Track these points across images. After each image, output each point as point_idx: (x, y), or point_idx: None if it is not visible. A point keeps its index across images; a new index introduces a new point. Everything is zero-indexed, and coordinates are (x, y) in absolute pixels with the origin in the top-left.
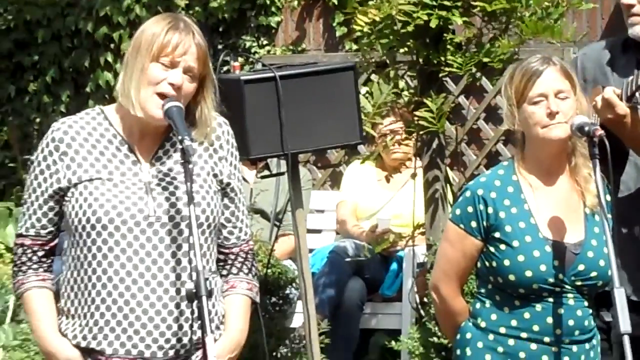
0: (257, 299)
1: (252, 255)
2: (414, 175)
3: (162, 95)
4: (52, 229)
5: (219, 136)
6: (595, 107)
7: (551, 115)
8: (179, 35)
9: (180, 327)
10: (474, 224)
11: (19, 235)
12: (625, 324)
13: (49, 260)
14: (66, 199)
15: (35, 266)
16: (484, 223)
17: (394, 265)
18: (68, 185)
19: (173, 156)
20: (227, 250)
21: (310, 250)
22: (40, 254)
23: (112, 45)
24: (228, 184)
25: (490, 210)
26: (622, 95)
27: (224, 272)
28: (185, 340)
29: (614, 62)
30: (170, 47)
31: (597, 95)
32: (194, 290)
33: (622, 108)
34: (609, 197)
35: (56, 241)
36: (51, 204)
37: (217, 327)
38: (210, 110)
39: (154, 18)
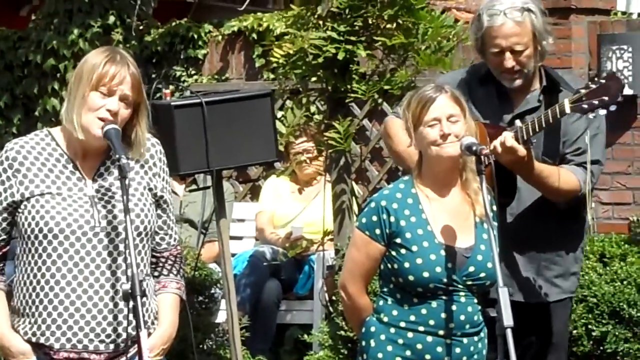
0: (184, 297)
1: (181, 258)
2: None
3: (102, 120)
4: (5, 237)
5: (152, 155)
6: (494, 151)
7: (444, 136)
8: (116, 67)
9: (119, 323)
10: (377, 231)
11: None
12: (508, 319)
13: (1, 265)
14: (19, 210)
15: None
16: (387, 230)
17: (306, 268)
18: (21, 199)
19: (113, 172)
20: (158, 254)
21: (233, 255)
22: None
23: (58, 75)
24: (161, 197)
25: (392, 219)
26: (518, 137)
27: (156, 274)
28: (124, 335)
29: (473, 93)
30: (108, 77)
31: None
32: (130, 291)
33: (522, 151)
34: (495, 207)
35: (8, 248)
36: (5, 215)
37: (153, 323)
38: (144, 132)
39: (94, 51)
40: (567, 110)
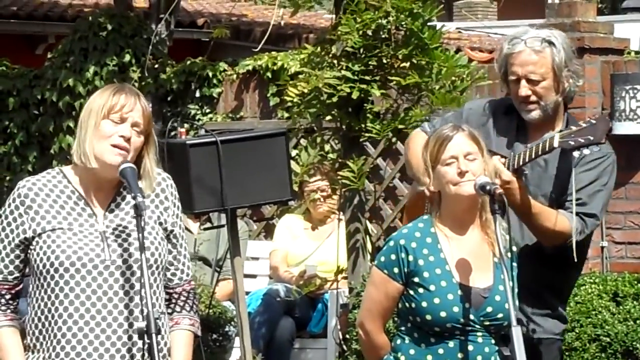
0: (199, 332)
1: (194, 293)
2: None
3: (115, 146)
4: (18, 274)
5: (163, 189)
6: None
7: (461, 174)
8: (125, 97)
9: (132, 356)
10: (396, 270)
11: None
12: (521, 358)
13: (15, 302)
14: (31, 247)
15: (3, 308)
16: (405, 269)
17: (320, 306)
18: (33, 235)
19: (124, 208)
20: (171, 290)
21: (247, 293)
22: (7, 297)
23: (73, 113)
24: (172, 231)
25: (410, 258)
26: (509, 165)
27: (169, 310)
28: None
29: (495, 122)
30: (119, 105)
31: None
32: (145, 329)
33: (507, 174)
34: (514, 248)
35: (22, 285)
36: (17, 252)
37: (164, 358)
38: (153, 165)
39: (102, 88)
40: (556, 144)
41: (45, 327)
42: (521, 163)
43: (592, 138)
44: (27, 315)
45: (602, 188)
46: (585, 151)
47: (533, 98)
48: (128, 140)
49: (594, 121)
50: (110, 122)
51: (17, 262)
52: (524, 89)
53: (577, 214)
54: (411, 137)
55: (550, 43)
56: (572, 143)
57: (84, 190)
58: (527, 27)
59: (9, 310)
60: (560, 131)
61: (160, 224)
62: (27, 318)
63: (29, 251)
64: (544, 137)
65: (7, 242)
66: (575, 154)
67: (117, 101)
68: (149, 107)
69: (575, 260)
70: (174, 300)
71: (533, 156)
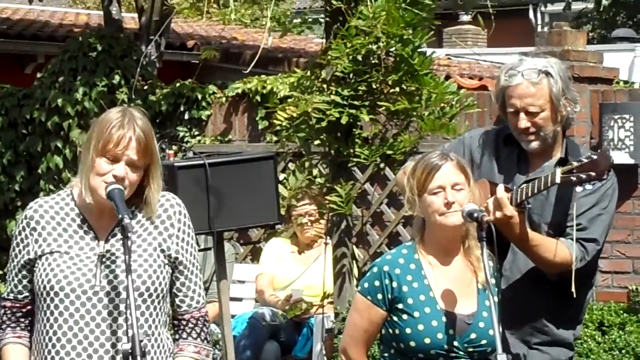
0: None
1: (203, 321)
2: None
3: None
4: (27, 294)
5: (170, 215)
6: (487, 207)
7: (448, 205)
8: (121, 131)
9: None
10: (379, 296)
11: (2, 298)
12: None
13: (27, 320)
14: (35, 268)
15: (13, 325)
16: (389, 296)
17: (306, 330)
18: (35, 257)
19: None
20: (179, 317)
21: (232, 316)
22: (18, 314)
23: (62, 133)
24: (177, 259)
25: (394, 284)
26: (512, 200)
27: (177, 336)
28: None
29: (497, 152)
30: (113, 143)
31: (482, 187)
32: (130, 351)
33: (510, 210)
34: (497, 274)
35: (33, 305)
36: (24, 272)
37: None
38: (156, 193)
39: (108, 112)
40: (557, 180)
41: (41, 347)
42: (524, 198)
43: (593, 174)
44: (34, 334)
45: (602, 212)
46: (588, 187)
47: (532, 129)
48: (122, 179)
49: (594, 156)
50: (104, 160)
51: (24, 282)
52: (523, 122)
53: (577, 240)
54: (406, 167)
55: (547, 74)
56: (574, 179)
57: (88, 214)
58: (522, 57)
59: (18, 328)
60: (561, 158)
61: (162, 250)
62: (33, 337)
63: (34, 272)
64: (546, 165)
65: (16, 262)
66: (578, 189)
67: (112, 138)
68: (150, 135)
69: (573, 290)
70: (182, 327)
71: (536, 191)
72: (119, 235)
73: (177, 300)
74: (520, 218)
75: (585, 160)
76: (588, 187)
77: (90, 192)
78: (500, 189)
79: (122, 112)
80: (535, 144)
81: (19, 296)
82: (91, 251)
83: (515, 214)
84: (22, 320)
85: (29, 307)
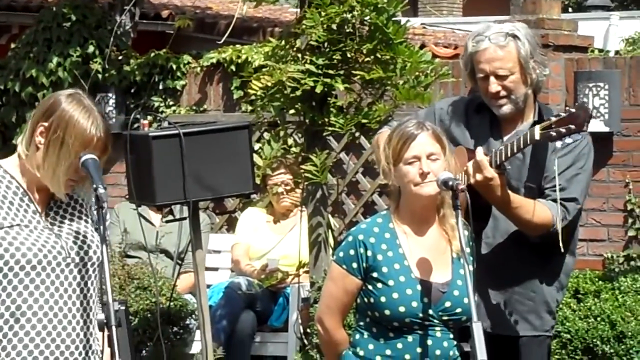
0: None
1: None
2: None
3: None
4: None
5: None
6: (466, 171)
7: (423, 175)
8: (97, 134)
9: (92, 352)
10: (354, 265)
11: None
12: (481, 354)
13: None
14: None
15: None
16: (364, 264)
17: (282, 300)
18: None
19: (62, 205)
20: None
21: (208, 286)
22: None
23: (36, 103)
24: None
25: (369, 253)
26: (492, 162)
27: None
28: None
29: (469, 120)
30: (86, 147)
31: (459, 154)
32: (105, 320)
33: (490, 172)
34: (472, 243)
35: None
36: None
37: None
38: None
39: (70, 109)
40: (537, 136)
41: (7, 323)
42: (503, 159)
43: (573, 127)
44: None
45: (579, 171)
46: (568, 140)
47: (503, 93)
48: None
49: (573, 110)
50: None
51: None
52: (494, 85)
53: (557, 200)
54: (380, 137)
55: (514, 37)
56: (554, 134)
57: (28, 187)
58: (489, 23)
59: None
60: (535, 122)
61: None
62: None
63: None
64: (519, 129)
65: None
66: (558, 144)
67: (90, 140)
68: (106, 132)
69: (561, 246)
70: None
71: (515, 150)
72: (56, 208)
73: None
74: (501, 180)
75: (564, 114)
76: (568, 140)
77: (49, 180)
78: (480, 151)
79: (87, 109)
80: (506, 108)
81: None
82: (38, 224)
83: (496, 176)
84: None
85: None
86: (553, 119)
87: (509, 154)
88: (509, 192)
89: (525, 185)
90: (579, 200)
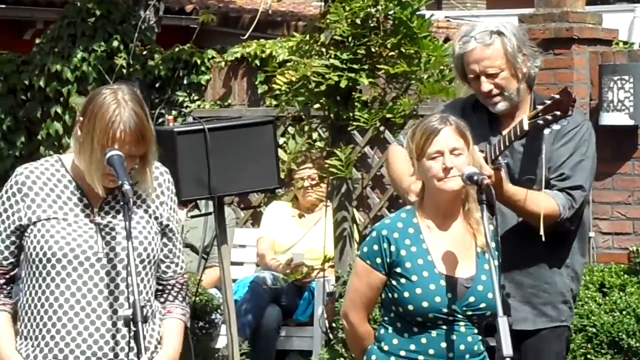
0: (188, 324)
1: (187, 286)
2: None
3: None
4: (13, 260)
5: (160, 183)
6: None
7: (446, 170)
8: (123, 124)
9: (122, 349)
10: (378, 260)
11: None
12: (507, 349)
13: (9, 287)
14: (26, 234)
15: None
16: (387, 260)
17: (307, 294)
18: (28, 223)
19: (120, 201)
20: (164, 282)
21: (234, 280)
22: (1, 281)
23: (61, 99)
24: (167, 226)
25: (393, 248)
26: (487, 158)
27: (162, 300)
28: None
29: (467, 120)
30: (112, 140)
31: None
32: (131, 316)
33: (487, 169)
34: (497, 237)
35: (16, 271)
36: (13, 238)
37: (156, 347)
38: (151, 175)
39: (101, 100)
40: (525, 127)
41: (34, 315)
42: (498, 153)
43: (558, 113)
44: (20, 300)
45: (583, 158)
46: (555, 127)
47: (495, 91)
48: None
49: (557, 96)
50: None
51: (12, 247)
52: (485, 85)
53: (563, 189)
54: (390, 153)
55: (500, 33)
56: (541, 122)
57: (82, 181)
58: (474, 23)
59: (2, 295)
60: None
61: (156, 218)
62: (19, 304)
63: (24, 238)
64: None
65: (2, 228)
66: (546, 131)
67: (113, 133)
68: (145, 119)
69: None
70: (167, 291)
71: (507, 144)
72: (113, 203)
73: (163, 266)
74: (497, 176)
75: (548, 102)
76: (555, 127)
77: (88, 175)
78: (475, 148)
79: (117, 103)
80: (501, 105)
81: (4, 262)
82: (87, 218)
83: (492, 172)
84: (5, 287)
85: (12, 273)
86: (539, 107)
87: (502, 148)
88: (512, 186)
89: (531, 178)
90: (585, 187)
